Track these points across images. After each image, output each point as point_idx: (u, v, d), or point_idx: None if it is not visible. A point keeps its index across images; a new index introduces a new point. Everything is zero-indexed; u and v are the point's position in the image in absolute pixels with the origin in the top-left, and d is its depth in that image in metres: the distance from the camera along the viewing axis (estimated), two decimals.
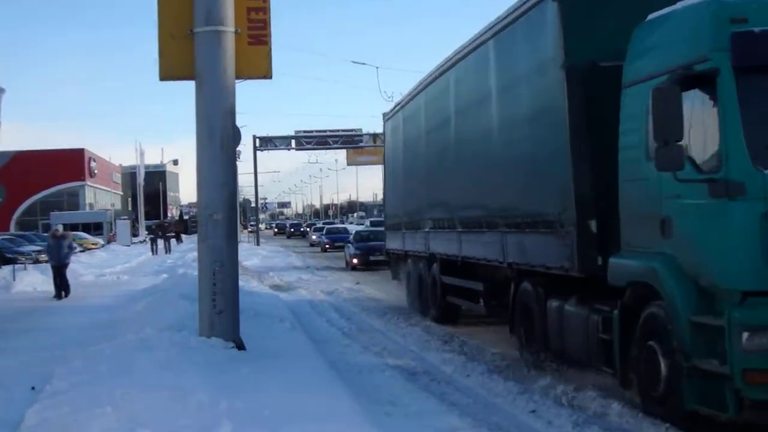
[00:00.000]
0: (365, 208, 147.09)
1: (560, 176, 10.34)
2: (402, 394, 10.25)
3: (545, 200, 10.95)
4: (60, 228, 24.85)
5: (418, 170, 18.25)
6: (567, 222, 10.20)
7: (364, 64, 67.34)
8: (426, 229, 17.31)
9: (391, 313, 18.60)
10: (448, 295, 16.22)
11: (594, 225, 9.85)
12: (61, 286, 22.87)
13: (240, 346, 10.87)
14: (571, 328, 10.33)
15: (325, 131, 70.56)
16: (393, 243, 21.13)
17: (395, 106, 21.30)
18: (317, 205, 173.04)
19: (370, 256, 33.81)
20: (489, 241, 13.33)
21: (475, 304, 14.85)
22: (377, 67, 75.99)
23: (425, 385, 10.87)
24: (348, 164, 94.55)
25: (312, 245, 61.12)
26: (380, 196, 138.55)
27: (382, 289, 23.40)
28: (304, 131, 70.66)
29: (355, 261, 34.79)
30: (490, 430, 8.63)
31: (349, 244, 36.87)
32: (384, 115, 23.23)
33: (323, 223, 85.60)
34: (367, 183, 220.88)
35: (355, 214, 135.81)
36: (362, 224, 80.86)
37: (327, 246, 51.37)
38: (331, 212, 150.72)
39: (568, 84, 10.11)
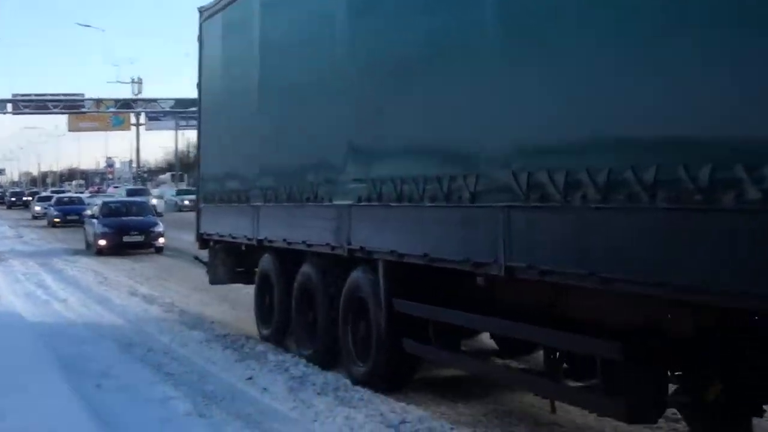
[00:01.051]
0: (86, 176, 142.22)
1: None
2: (115, 365, 10.03)
3: None
4: None
5: (324, 82, 9.72)
6: None
7: (89, 26, 65.09)
8: (344, 202, 9.05)
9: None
10: (407, 337, 8.27)
11: None
12: None
13: None
14: None
15: (44, 95, 68.31)
16: (220, 224, 12.92)
17: None
18: (35, 172, 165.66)
19: (124, 237, 26.78)
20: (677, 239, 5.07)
21: (532, 378, 7.53)
22: (103, 30, 73.30)
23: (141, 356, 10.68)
24: (69, 130, 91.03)
25: (36, 218, 52.29)
26: (103, 164, 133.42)
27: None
28: (23, 94, 68.03)
29: (102, 243, 26.67)
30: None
31: (93, 220, 28.02)
32: (201, 10, 13.64)
33: (52, 191, 74.91)
34: (89, 150, 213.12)
35: (73, 182, 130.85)
36: (81, 192, 76.66)
37: (57, 220, 42.81)
38: (49, 180, 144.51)
39: None
